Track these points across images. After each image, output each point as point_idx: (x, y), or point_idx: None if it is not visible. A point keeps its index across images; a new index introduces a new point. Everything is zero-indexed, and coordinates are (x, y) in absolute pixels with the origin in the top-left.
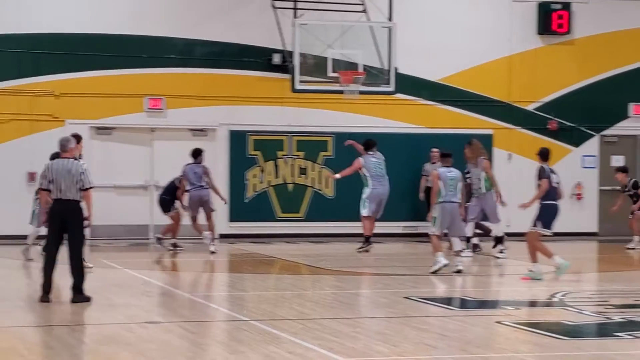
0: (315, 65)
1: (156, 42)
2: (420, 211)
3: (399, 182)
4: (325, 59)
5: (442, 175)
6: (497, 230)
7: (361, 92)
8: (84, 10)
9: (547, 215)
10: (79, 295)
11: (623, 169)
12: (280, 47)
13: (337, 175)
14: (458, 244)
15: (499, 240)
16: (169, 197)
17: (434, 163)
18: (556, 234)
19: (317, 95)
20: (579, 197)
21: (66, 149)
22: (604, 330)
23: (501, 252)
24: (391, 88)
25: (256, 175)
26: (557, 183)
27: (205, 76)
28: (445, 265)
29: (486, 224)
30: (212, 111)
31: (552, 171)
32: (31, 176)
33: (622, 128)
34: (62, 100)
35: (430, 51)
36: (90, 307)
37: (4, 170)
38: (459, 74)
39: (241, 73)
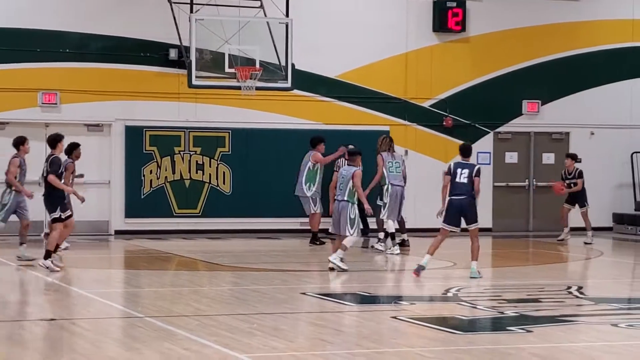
0: (213, 61)
1: (51, 36)
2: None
3: (295, 178)
4: (222, 54)
5: (339, 173)
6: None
7: (258, 88)
8: None
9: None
10: None
11: (573, 156)
12: (177, 43)
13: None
14: (348, 240)
15: (391, 236)
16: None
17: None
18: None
19: (214, 90)
20: None
21: None
22: (498, 324)
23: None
24: (288, 84)
25: (152, 171)
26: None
27: (101, 71)
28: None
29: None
30: (108, 106)
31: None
32: None
33: (516, 125)
34: None
35: (327, 48)
36: None
37: None
38: (356, 71)
39: (137, 68)
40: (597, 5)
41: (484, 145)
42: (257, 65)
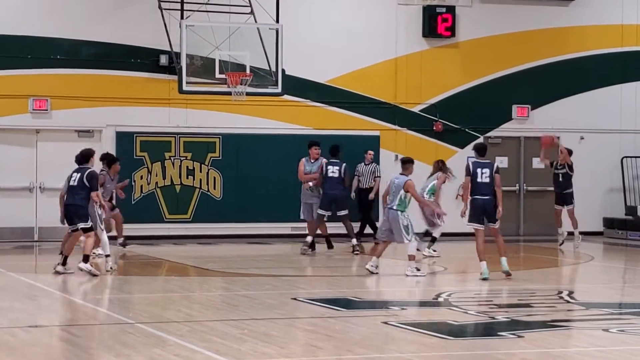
0: (203, 67)
1: (42, 42)
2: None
3: (286, 183)
4: (213, 60)
5: (391, 181)
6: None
7: (248, 94)
8: None
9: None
10: None
11: (568, 151)
12: (167, 48)
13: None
14: (411, 248)
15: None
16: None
17: (367, 164)
18: (443, 234)
19: (205, 96)
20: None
21: None
22: (489, 329)
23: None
24: (278, 89)
25: (143, 177)
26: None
27: (91, 77)
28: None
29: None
30: (98, 112)
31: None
32: None
33: (506, 130)
34: None
35: (317, 53)
36: None
37: None
38: (346, 76)
39: (128, 74)
40: (586, 10)
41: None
42: (248, 71)
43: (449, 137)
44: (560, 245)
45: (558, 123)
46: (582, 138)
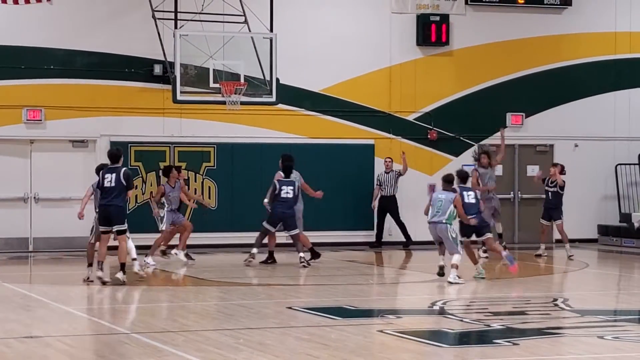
0: (197, 76)
1: (35, 52)
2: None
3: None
4: (207, 69)
5: (432, 197)
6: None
7: (243, 103)
8: None
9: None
10: None
11: (562, 168)
12: (161, 58)
13: None
14: (456, 258)
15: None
16: None
17: (387, 172)
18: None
19: (199, 105)
20: None
21: None
22: (484, 337)
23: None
24: (273, 99)
25: (138, 187)
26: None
27: (85, 87)
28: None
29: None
30: (92, 122)
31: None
32: None
33: (498, 138)
34: None
35: (311, 62)
36: None
37: None
38: (340, 85)
39: (122, 84)
40: (579, 18)
41: (468, 158)
42: (242, 80)
43: (444, 146)
44: (536, 255)
45: (552, 131)
46: (576, 145)
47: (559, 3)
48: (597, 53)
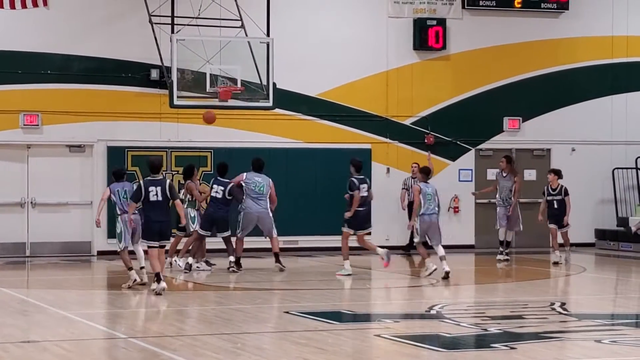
0: (194, 81)
1: (32, 57)
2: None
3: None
4: (203, 74)
5: (422, 190)
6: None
7: (240, 108)
8: None
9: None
10: None
11: (557, 172)
12: (158, 63)
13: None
14: (441, 251)
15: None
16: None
17: (414, 177)
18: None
19: (196, 110)
20: (456, 210)
21: None
22: (481, 341)
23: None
24: (270, 103)
25: None
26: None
27: (82, 92)
28: (435, 270)
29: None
30: (89, 127)
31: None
32: None
33: (497, 142)
34: None
35: (308, 67)
36: None
37: None
38: (337, 89)
39: (119, 89)
40: (576, 22)
41: (465, 162)
42: (239, 85)
43: (441, 150)
44: (555, 264)
45: (549, 135)
46: (573, 150)
47: (556, 7)
48: (594, 57)
